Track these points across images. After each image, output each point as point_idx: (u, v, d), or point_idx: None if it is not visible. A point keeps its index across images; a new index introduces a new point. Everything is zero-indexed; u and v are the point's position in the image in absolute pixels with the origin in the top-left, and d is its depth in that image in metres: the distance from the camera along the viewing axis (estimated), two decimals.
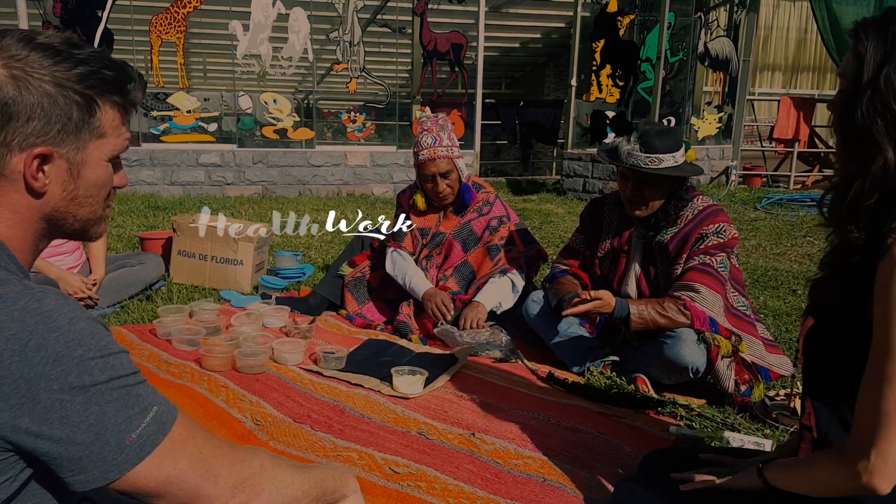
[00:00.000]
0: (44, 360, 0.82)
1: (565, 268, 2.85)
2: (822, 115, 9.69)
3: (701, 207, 2.53)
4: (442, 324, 3.01)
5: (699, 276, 2.42)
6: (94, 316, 0.91)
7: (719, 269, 2.43)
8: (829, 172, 9.71)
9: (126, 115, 1.03)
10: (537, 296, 2.93)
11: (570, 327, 2.82)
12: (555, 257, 3.01)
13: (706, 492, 1.41)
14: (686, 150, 2.54)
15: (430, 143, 3.12)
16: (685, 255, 2.48)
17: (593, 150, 8.43)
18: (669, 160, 2.46)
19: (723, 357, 2.37)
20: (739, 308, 2.56)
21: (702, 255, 2.45)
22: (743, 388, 2.40)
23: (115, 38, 7.56)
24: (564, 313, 2.50)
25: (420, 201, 3.28)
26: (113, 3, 7.34)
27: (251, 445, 2.00)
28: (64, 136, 0.95)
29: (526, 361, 2.81)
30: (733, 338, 2.42)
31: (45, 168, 0.95)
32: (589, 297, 2.43)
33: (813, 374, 1.30)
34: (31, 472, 0.90)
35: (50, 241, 1.06)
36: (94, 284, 3.24)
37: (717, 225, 2.46)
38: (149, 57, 7.77)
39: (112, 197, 1.08)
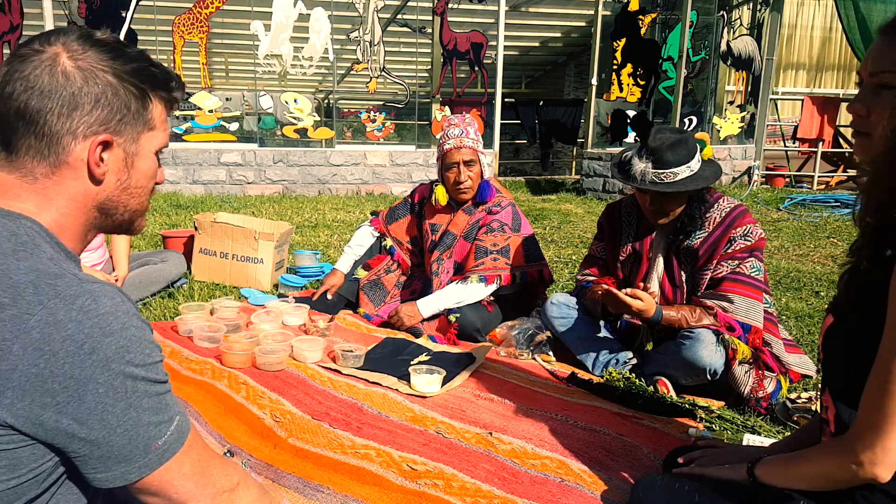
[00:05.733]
0: (94, 364, 0.85)
1: (592, 278, 2.82)
2: (846, 114, 9.54)
3: (728, 209, 2.50)
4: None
5: (732, 285, 2.40)
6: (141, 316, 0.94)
7: (752, 274, 2.40)
8: (853, 173, 9.57)
9: (170, 112, 1.09)
10: (556, 298, 2.88)
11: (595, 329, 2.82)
12: (577, 270, 2.97)
13: (720, 486, 1.43)
14: (702, 150, 2.52)
15: (458, 133, 3.15)
16: (715, 261, 2.46)
17: (613, 150, 8.39)
18: (685, 171, 2.43)
19: (740, 362, 2.35)
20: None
21: (730, 261, 2.42)
22: (762, 392, 2.37)
23: (139, 38, 7.66)
24: (624, 292, 2.44)
25: (441, 194, 3.24)
26: (137, 4, 7.43)
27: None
28: (123, 126, 1.00)
29: (545, 363, 2.80)
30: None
31: (104, 155, 0.99)
32: (632, 296, 2.41)
33: (832, 370, 1.32)
34: (64, 471, 0.93)
35: (97, 234, 1.09)
36: (118, 282, 3.28)
37: (744, 227, 2.43)
38: (172, 57, 7.85)
39: (154, 192, 1.13)
